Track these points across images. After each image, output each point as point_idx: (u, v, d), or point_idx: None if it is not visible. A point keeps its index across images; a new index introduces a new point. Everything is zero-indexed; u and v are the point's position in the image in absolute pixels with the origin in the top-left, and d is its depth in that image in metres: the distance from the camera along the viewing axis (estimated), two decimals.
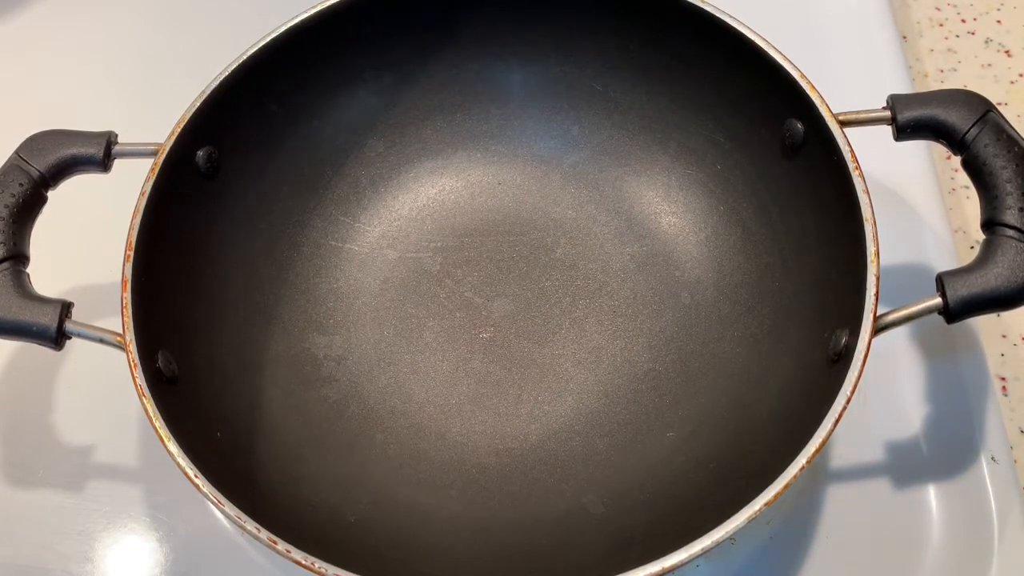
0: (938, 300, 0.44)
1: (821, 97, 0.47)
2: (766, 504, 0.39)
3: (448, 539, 0.48)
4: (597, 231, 0.57)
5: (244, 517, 0.41)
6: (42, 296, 0.46)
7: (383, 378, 0.53)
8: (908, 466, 0.50)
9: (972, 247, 0.59)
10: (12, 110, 0.64)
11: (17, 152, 0.49)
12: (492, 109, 0.59)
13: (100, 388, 0.54)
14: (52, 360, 0.54)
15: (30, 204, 0.48)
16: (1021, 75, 0.65)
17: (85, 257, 0.57)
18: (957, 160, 0.47)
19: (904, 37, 0.67)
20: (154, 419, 0.43)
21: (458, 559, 0.47)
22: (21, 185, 0.48)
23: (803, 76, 0.48)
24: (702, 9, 0.51)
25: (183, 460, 0.42)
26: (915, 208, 0.57)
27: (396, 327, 0.55)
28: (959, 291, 0.43)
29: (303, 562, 0.40)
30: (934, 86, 0.65)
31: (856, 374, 0.41)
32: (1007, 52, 0.66)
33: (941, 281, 0.44)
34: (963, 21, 0.68)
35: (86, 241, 0.57)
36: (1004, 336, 0.57)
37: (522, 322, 0.54)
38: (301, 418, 0.51)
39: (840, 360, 0.43)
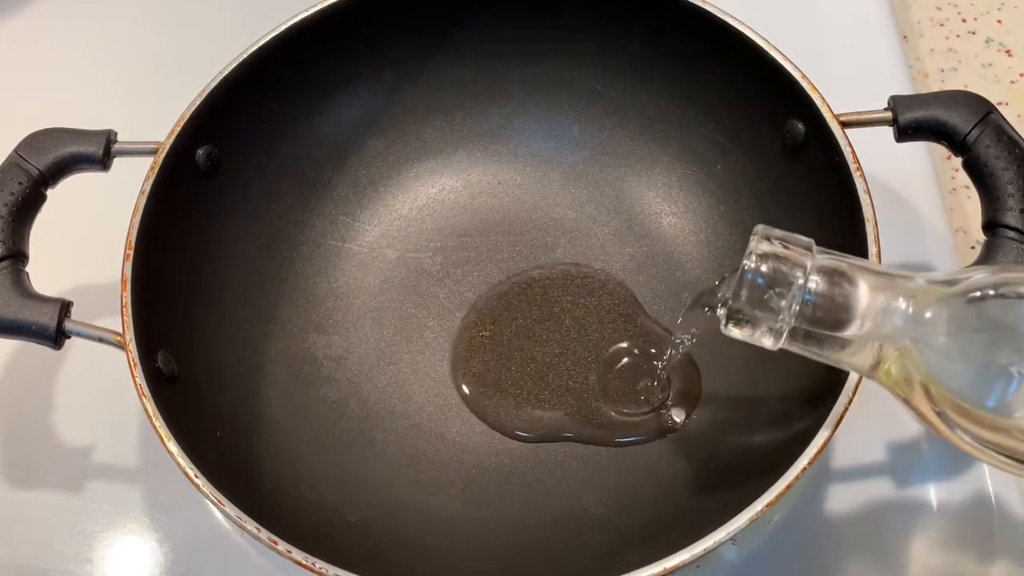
0: None
1: (822, 97, 0.47)
2: (768, 505, 0.39)
3: (448, 539, 0.48)
4: (597, 231, 0.57)
5: (244, 517, 0.40)
6: (41, 295, 0.46)
7: (383, 378, 0.53)
8: (908, 466, 0.50)
9: (973, 247, 0.59)
10: (12, 109, 0.64)
11: (16, 150, 0.49)
12: (492, 109, 0.59)
13: (100, 388, 0.53)
14: (52, 360, 0.54)
15: (29, 203, 0.48)
16: (1022, 75, 0.65)
17: (85, 256, 0.57)
18: (957, 160, 0.47)
19: (905, 37, 0.67)
20: (154, 419, 0.42)
21: (458, 559, 0.47)
22: (20, 184, 0.48)
23: (804, 76, 0.48)
24: (703, 9, 0.51)
25: (183, 460, 0.42)
26: (916, 208, 0.57)
27: (396, 327, 0.55)
28: None
29: (303, 562, 0.40)
30: (935, 86, 0.65)
31: (858, 375, 0.41)
32: (1008, 52, 0.66)
33: None
34: (963, 21, 0.68)
35: (86, 240, 0.57)
36: None
37: (522, 321, 0.54)
38: (301, 418, 0.51)
39: None
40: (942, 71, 0.66)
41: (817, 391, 0.43)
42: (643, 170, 0.58)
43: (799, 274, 0.37)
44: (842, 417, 0.41)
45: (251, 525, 0.40)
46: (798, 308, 0.37)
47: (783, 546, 0.48)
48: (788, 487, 0.39)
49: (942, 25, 0.68)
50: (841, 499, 0.49)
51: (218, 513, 0.45)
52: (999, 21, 0.68)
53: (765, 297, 0.37)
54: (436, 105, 0.59)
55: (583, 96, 0.58)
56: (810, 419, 0.41)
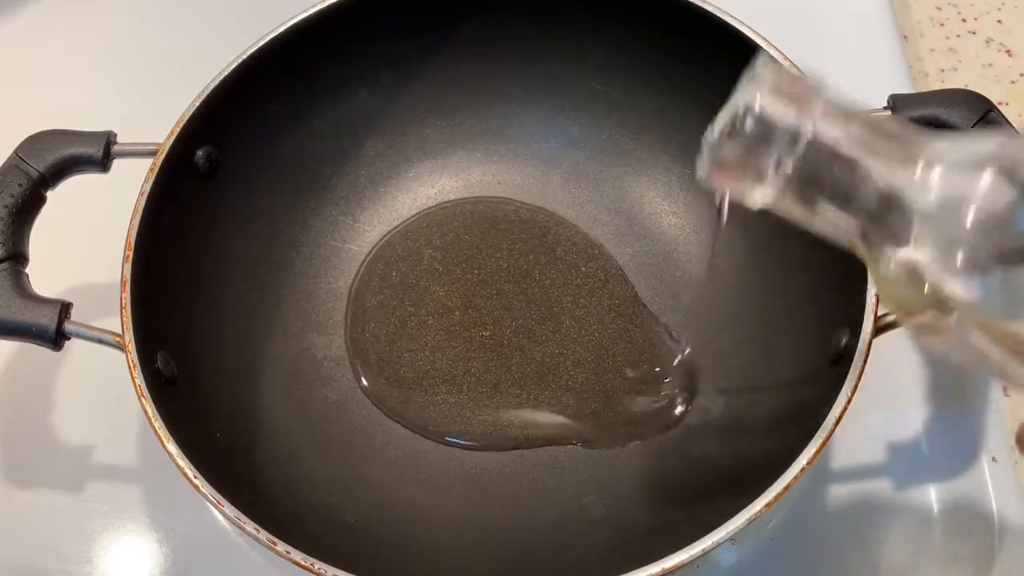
0: None
1: None
2: (767, 505, 0.39)
3: (448, 540, 0.48)
4: (597, 231, 0.57)
5: (243, 518, 0.40)
6: (41, 296, 0.46)
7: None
8: (908, 466, 0.50)
9: None
10: (12, 110, 0.64)
11: (16, 152, 0.49)
12: (492, 109, 0.59)
13: (100, 388, 0.53)
14: (52, 360, 0.54)
15: (29, 204, 0.48)
16: (1022, 75, 0.65)
17: (85, 257, 0.57)
18: None
19: (905, 37, 0.67)
20: (153, 420, 0.42)
21: (458, 560, 0.47)
22: (20, 185, 0.48)
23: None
24: (703, 8, 0.51)
25: (182, 461, 0.42)
26: None
27: (396, 327, 0.55)
28: None
29: (302, 563, 0.40)
30: (935, 86, 0.65)
31: (857, 374, 0.41)
32: (1008, 52, 0.66)
33: None
34: (964, 21, 0.68)
35: (86, 241, 0.57)
36: None
37: (522, 321, 0.54)
38: (301, 418, 0.51)
39: (841, 360, 0.43)
40: (942, 71, 0.66)
41: (816, 391, 0.43)
42: (643, 170, 0.58)
43: (802, 118, 0.30)
44: (841, 417, 0.41)
45: (250, 526, 0.40)
46: (796, 159, 0.30)
47: (782, 546, 0.48)
48: (787, 487, 0.39)
49: (942, 25, 0.68)
50: (841, 499, 0.49)
51: (217, 514, 0.45)
52: (999, 21, 0.68)
53: (758, 142, 0.31)
54: (436, 105, 0.59)
55: (583, 96, 0.58)
56: (809, 419, 0.41)
